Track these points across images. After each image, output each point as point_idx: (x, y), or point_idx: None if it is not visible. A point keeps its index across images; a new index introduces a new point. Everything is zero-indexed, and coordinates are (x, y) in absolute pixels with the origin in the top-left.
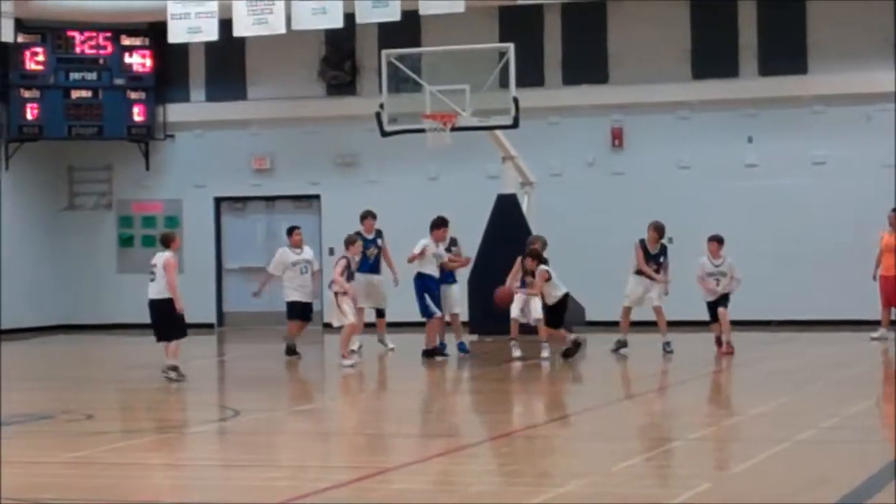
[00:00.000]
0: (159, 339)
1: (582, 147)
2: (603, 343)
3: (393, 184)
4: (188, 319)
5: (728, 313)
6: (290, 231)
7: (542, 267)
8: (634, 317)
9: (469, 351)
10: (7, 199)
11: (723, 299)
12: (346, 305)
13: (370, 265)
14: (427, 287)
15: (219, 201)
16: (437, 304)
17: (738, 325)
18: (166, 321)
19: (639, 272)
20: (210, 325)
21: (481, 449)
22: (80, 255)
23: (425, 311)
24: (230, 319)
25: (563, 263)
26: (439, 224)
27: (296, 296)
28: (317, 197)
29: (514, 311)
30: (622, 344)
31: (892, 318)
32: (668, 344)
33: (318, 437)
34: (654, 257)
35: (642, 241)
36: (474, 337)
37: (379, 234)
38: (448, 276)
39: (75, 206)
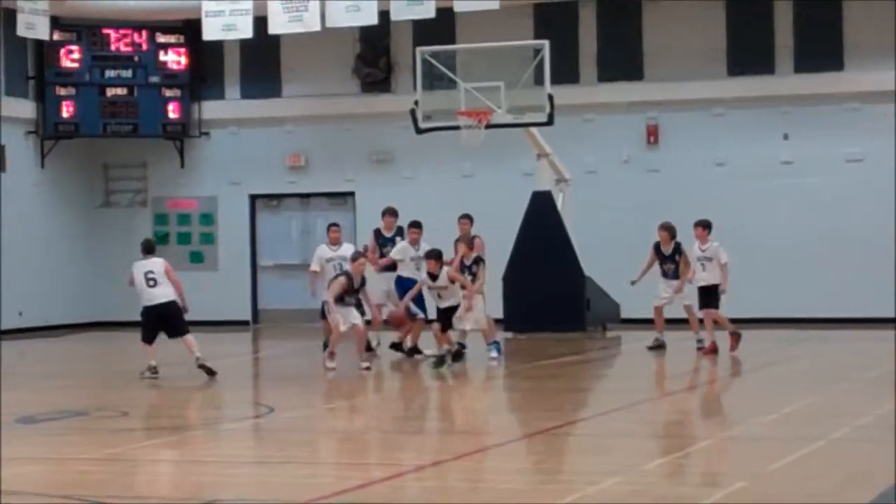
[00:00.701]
0: (175, 335)
1: (617, 144)
2: (637, 341)
3: (427, 181)
4: (221, 317)
5: (719, 313)
6: (329, 228)
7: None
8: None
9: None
10: (43, 197)
11: (713, 300)
12: (339, 315)
13: (391, 265)
14: (406, 289)
15: (254, 198)
16: (421, 305)
17: (772, 322)
18: (179, 320)
19: (664, 273)
20: (245, 323)
21: (514, 446)
22: (115, 253)
23: (408, 312)
24: (265, 317)
25: (597, 260)
26: (412, 225)
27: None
28: (351, 194)
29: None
30: (660, 343)
31: None
32: (700, 341)
33: (352, 434)
34: (669, 257)
35: (656, 244)
36: (509, 334)
37: (400, 231)
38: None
39: (110, 203)
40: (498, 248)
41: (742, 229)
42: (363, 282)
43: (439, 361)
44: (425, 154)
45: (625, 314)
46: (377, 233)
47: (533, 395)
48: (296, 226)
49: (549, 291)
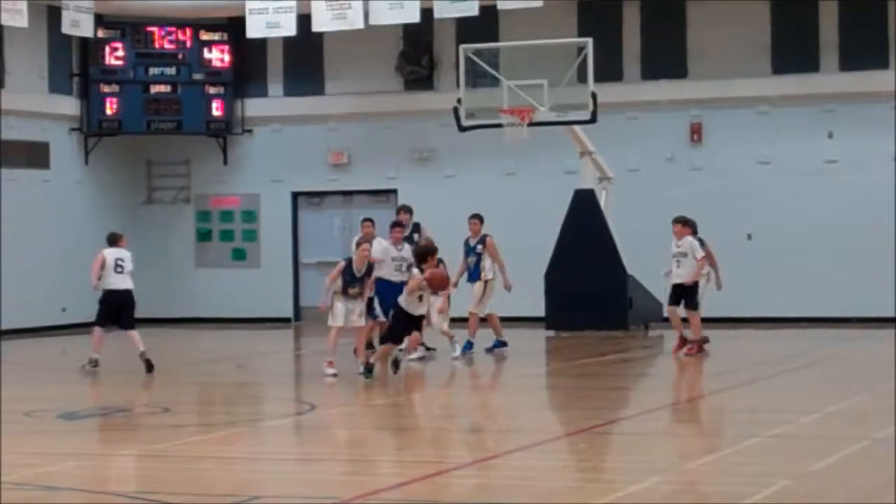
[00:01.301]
0: (125, 328)
1: (660, 142)
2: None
3: (470, 179)
4: (263, 314)
5: (698, 314)
6: (362, 223)
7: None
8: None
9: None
10: (86, 194)
11: (690, 298)
12: (338, 306)
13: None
14: (380, 291)
15: (296, 196)
16: (386, 309)
17: (817, 321)
18: (132, 312)
19: None
20: (287, 320)
21: (556, 444)
22: (158, 249)
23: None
24: (307, 314)
25: (640, 259)
26: (392, 225)
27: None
28: (394, 191)
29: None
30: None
31: None
32: (705, 340)
33: (393, 431)
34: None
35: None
36: (551, 332)
37: (416, 227)
38: (473, 273)
39: (154, 200)
40: (540, 246)
41: (785, 228)
42: (369, 270)
43: (369, 373)
44: (467, 152)
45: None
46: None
47: (575, 394)
48: (338, 223)
49: (592, 290)
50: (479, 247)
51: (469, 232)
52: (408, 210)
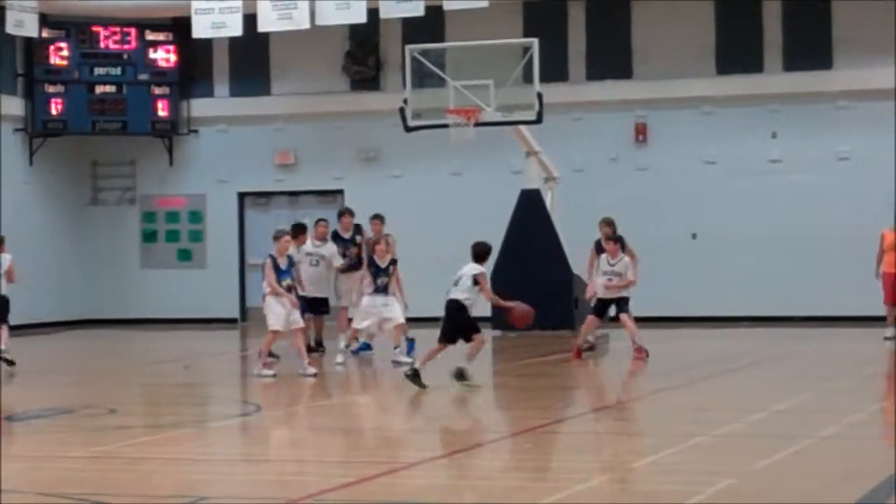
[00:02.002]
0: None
1: (606, 142)
2: (625, 339)
3: (416, 179)
4: (210, 314)
5: (630, 317)
6: (316, 223)
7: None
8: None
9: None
10: (31, 194)
11: (622, 303)
12: (275, 309)
13: (351, 264)
14: None
15: (242, 196)
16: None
17: (761, 320)
18: (6, 311)
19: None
20: (233, 321)
21: (503, 444)
22: (103, 251)
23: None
24: (253, 314)
25: (586, 259)
26: (316, 222)
27: (308, 291)
28: (340, 191)
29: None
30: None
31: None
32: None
33: (339, 432)
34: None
35: (598, 242)
36: (497, 332)
37: (358, 229)
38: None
39: (99, 201)
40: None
41: (730, 228)
42: (291, 262)
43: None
44: (414, 152)
45: (613, 312)
46: (335, 235)
47: (521, 394)
48: (284, 223)
49: (538, 290)
50: (359, 237)
51: (373, 233)
52: (351, 213)
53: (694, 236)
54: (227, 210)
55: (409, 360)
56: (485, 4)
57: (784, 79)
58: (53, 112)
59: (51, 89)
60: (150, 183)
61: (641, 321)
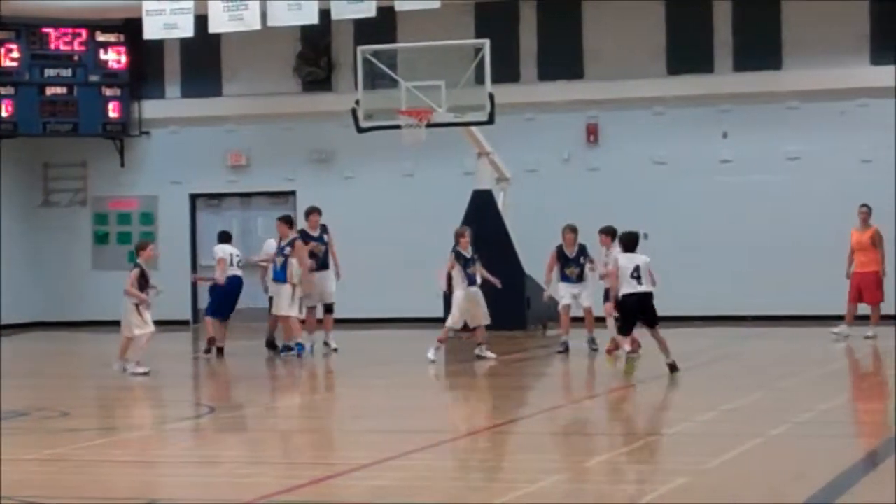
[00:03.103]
0: None
1: (557, 143)
2: (577, 339)
3: (368, 180)
4: (161, 317)
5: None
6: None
7: None
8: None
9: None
10: None
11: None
12: (146, 314)
13: (320, 262)
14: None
15: (194, 197)
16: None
17: (712, 320)
18: None
19: (564, 276)
20: (185, 322)
21: (456, 444)
22: (55, 252)
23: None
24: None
25: (537, 259)
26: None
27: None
28: (293, 193)
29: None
30: (565, 345)
31: (859, 313)
32: (592, 340)
33: (292, 433)
34: (573, 260)
35: (559, 247)
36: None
37: (324, 229)
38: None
39: (50, 202)
40: (438, 246)
41: (681, 227)
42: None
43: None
44: (366, 153)
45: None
46: (303, 233)
47: (473, 394)
48: (237, 225)
49: (490, 290)
50: (288, 248)
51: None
52: (319, 212)
53: (645, 236)
54: (180, 211)
55: (492, 355)
56: (436, 5)
57: (734, 79)
58: (4, 114)
59: (1, 91)
60: (102, 184)
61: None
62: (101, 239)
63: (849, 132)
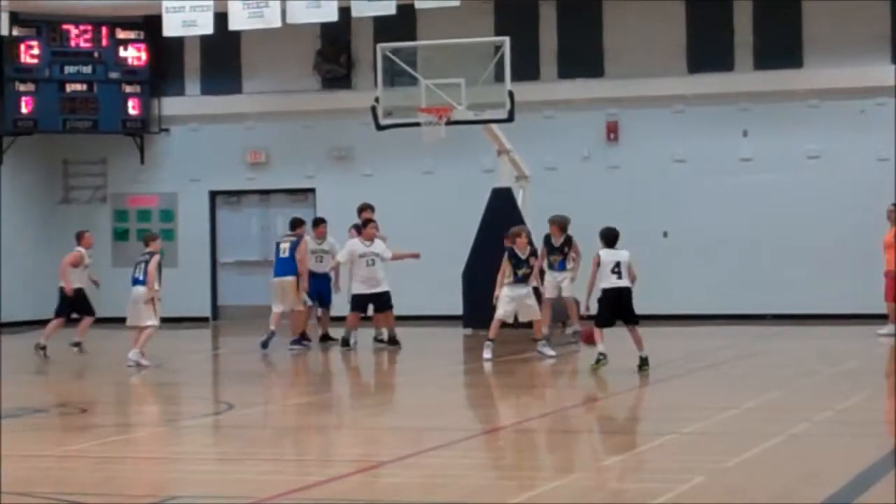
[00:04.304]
0: None
1: (577, 141)
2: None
3: (388, 177)
4: (181, 313)
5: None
6: (364, 220)
7: None
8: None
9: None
10: (3, 193)
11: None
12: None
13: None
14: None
15: (214, 195)
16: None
17: (732, 318)
18: None
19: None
20: (205, 319)
21: (474, 442)
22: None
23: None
24: (225, 313)
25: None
26: (315, 223)
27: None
28: (312, 190)
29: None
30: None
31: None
32: (576, 333)
33: (311, 430)
34: (558, 249)
35: (547, 237)
36: (468, 331)
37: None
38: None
39: (70, 199)
40: (458, 244)
41: (701, 225)
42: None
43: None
44: (386, 151)
45: (583, 311)
46: (357, 227)
47: (492, 392)
48: (256, 222)
49: None
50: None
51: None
52: (372, 208)
53: (665, 234)
54: (199, 209)
55: (553, 353)
56: (456, 3)
57: (755, 78)
58: (24, 110)
59: (21, 88)
60: (122, 181)
61: None
62: (120, 236)
63: (869, 131)
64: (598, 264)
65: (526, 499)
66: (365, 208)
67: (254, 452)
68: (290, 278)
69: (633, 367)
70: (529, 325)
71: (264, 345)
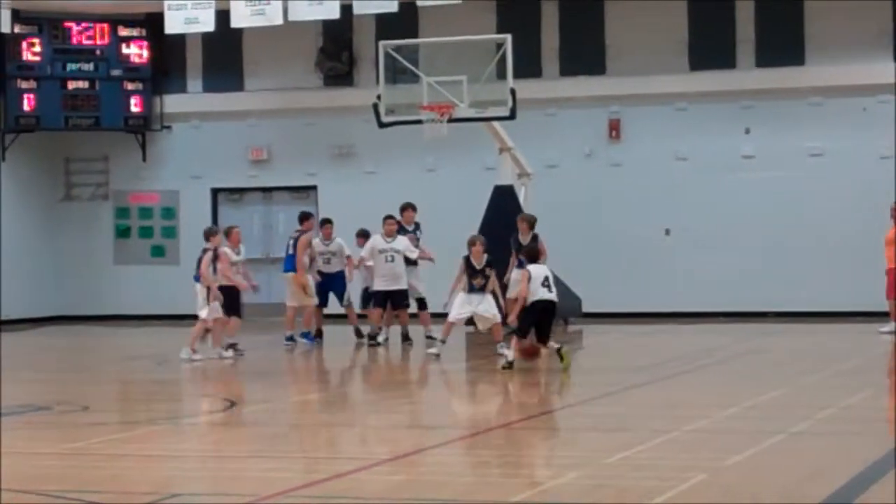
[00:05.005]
0: None
1: (579, 138)
2: (599, 335)
3: (390, 175)
4: (183, 311)
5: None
6: (385, 220)
7: None
8: (626, 308)
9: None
10: (4, 191)
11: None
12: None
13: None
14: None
15: (216, 192)
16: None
17: (734, 316)
18: None
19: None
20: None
21: (477, 440)
22: (77, 247)
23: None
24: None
25: (559, 254)
26: (322, 223)
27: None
28: (314, 188)
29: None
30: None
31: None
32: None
33: (312, 428)
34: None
35: (514, 236)
36: (470, 328)
37: (417, 226)
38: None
39: (72, 197)
40: (460, 241)
41: (703, 223)
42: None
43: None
44: (388, 148)
45: (586, 309)
46: (399, 227)
47: (494, 389)
48: (258, 220)
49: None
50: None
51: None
52: (414, 208)
53: (667, 232)
54: (201, 206)
55: (509, 352)
56: (458, 1)
57: (757, 75)
58: (26, 108)
59: (23, 85)
60: (124, 179)
61: (615, 317)
62: (122, 233)
63: (871, 128)
64: (528, 279)
65: (526, 497)
66: (407, 208)
67: (255, 450)
68: (291, 274)
69: (637, 364)
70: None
71: (306, 335)
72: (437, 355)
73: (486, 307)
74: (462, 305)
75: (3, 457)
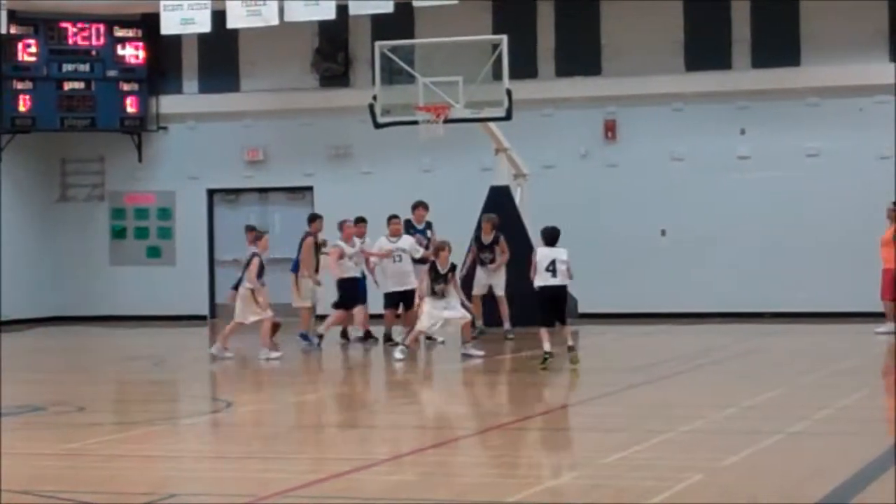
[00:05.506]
0: None
1: (575, 139)
2: (595, 335)
3: (386, 175)
4: (179, 312)
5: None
6: (389, 220)
7: None
8: (622, 309)
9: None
10: (0, 191)
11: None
12: (262, 298)
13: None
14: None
15: (212, 193)
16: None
17: (731, 316)
18: None
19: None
20: (203, 317)
21: (473, 441)
22: (72, 247)
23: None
24: (223, 311)
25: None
26: (357, 221)
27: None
28: (310, 188)
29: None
30: (482, 331)
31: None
32: (509, 332)
33: (309, 429)
34: (488, 247)
35: (477, 235)
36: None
37: (429, 225)
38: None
39: (68, 197)
40: (456, 242)
41: (699, 224)
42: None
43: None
44: (384, 149)
45: (582, 309)
46: (408, 223)
47: (491, 390)
48: (254, 220)
49: (508, 287)
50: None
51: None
52: (425, 207)
53: (663, 233)
54: (197, 207)
55: (480, 353)
56: (454, 1)
57: (753, 76)
58: (22, 108)
59: (19, 86)
60: (119, 179)
61: (611, 317)
62: (118, 234)
63: (868, 129)
64: (535, 263)
65: (524, 497)
66: (418, 206)
67: (252, 451)
68: (291, 275)
69: (634, 365)
70: (522, 323)
71: (305, 337)
72: (401, 360)
73: (451, 312)
74: (430, 316)
75: (2, 457)
